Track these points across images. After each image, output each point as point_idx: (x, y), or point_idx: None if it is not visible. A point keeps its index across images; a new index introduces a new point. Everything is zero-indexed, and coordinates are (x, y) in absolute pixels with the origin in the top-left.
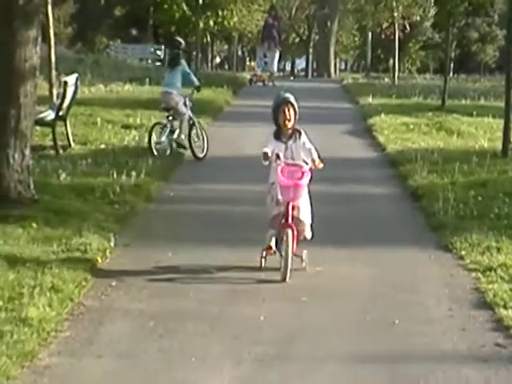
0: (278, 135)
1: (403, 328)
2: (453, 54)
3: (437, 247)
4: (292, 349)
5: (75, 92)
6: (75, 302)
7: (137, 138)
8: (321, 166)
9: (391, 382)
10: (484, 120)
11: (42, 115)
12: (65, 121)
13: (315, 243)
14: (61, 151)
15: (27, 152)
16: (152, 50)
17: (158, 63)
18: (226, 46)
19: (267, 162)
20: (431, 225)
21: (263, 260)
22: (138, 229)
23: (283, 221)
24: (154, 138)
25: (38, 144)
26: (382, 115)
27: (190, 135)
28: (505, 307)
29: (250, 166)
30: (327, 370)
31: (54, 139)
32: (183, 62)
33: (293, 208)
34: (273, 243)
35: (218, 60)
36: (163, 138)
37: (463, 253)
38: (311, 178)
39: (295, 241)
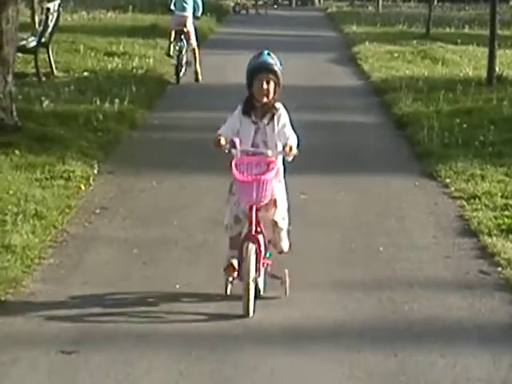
0: (248, 110)
1: (388, 255)
2: None
3: (422, 175)
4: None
5: (57, 19)
6: (59, 229)
7: (120, 65)
8: (295, 151)
9: (377, 308)
10: (469, 48)
11: (24, 42)
12: (47, 48)
13: (299, 171)
14: (43, 78)
15: (9, 78)
16: None
17: None
18: None
19: (226, 149)
20: (416, 153)
21: (229, 284)
22: (122, 156)
23: (245, 231)
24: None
25: (20, 71)
26: (367, 43)
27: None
28: (489, 235)
29: (234, 93)
30: (313, 296)
31: (37, 66)
32: None
33: (258, 210)
34: (235, 261)
35: None
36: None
37: (448, 181)
38: (285, 169)
39: (262, 259)
